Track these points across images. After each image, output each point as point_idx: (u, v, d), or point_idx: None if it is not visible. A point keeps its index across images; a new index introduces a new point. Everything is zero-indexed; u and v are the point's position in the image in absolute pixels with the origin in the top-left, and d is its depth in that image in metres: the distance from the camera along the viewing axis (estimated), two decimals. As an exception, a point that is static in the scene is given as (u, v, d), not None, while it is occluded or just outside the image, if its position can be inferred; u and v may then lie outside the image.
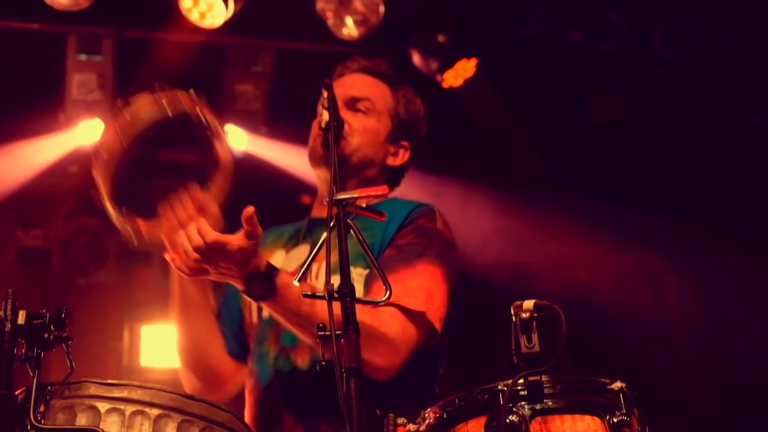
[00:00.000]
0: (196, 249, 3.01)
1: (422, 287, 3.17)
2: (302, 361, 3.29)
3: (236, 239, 3.01)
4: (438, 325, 3.19)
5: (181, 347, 3.62)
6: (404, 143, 3.61)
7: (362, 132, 3.50)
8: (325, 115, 3.02)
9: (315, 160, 3.48)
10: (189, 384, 3.63)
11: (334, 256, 2.63)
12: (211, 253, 3.00)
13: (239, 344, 3.57)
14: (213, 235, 3.00)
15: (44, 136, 7.23)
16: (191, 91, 3.30)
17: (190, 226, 3.04)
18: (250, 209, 3.03)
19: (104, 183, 3.19)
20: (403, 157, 3.61)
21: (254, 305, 3.51)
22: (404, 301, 3.10)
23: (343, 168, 3.42)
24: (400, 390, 3.21)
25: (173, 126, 3.27)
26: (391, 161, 3.59)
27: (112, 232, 7.88)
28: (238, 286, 3.08)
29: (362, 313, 2.65)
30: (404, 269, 3.19)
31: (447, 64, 6.87)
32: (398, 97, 3.61)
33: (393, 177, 3.62)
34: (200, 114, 3.27)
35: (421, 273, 3.20)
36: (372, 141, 3.52)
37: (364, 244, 2.76)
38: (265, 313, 3.45)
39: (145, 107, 3.24)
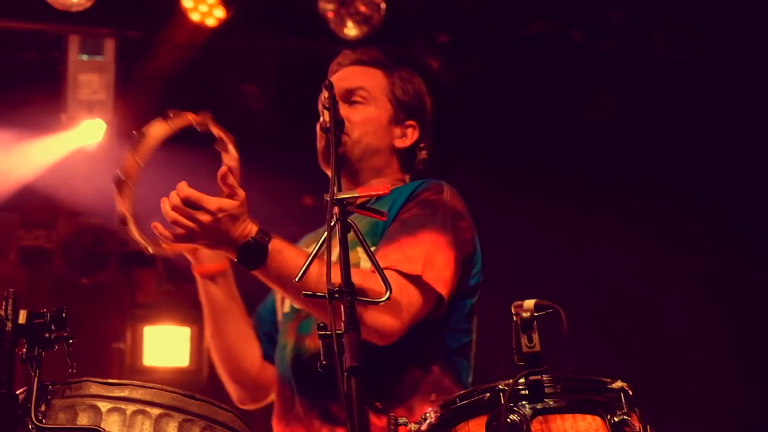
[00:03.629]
0: (174, 207, 3.01)
1: (421, 254, 3.14)
2: (313, 346, 3.27)
3: (215, 198, 3.01)
4: (442, 290, 3.15)
5: (217, 358, 3.63)
6: (410, 123, 3.60)
7: (361, 123, 3.50)
8: (326, 115, 3.03)
9: (322, 163, 3.50)
10: (233, 393, 3.66)
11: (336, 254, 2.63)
12: (188, 211, 3.00)
13: (275, 347, 3.57)
14: (187, 190, 3.01)
15: (46, 137, 7.23)
16: (199, 112, 3.37)
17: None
18: (222, 169, 3.04)
19: (127, 207, 3.21)
20: (412, 136, 3.60)
21: (282, 303, 3.53)
22: (401, 266, 3.08)
23: (350, 163, 3.47)
24: (409, 361, 3.21)
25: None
26: (400, 143, 3.58)
27: (115, 233, 7.95)
28: (231, 255, 3.08)
29: (357, 276, 2.63)
30: (405, 238, 3.18)
31: (449, 64, 6.86)
32: (393, 80, 3.61)
33: (406, 158, 3.62)
34: (207, 128, 3.36)
35: (421, 241, 3.17)
36: (373, 129, 3.52)
37: (365, 244, 2.76)
38: (286, 307, 3.47)
39: (157, 129, 3.31)
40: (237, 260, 3.08)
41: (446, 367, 3.28)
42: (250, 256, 3.04)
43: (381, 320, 3.01)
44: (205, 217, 3.00)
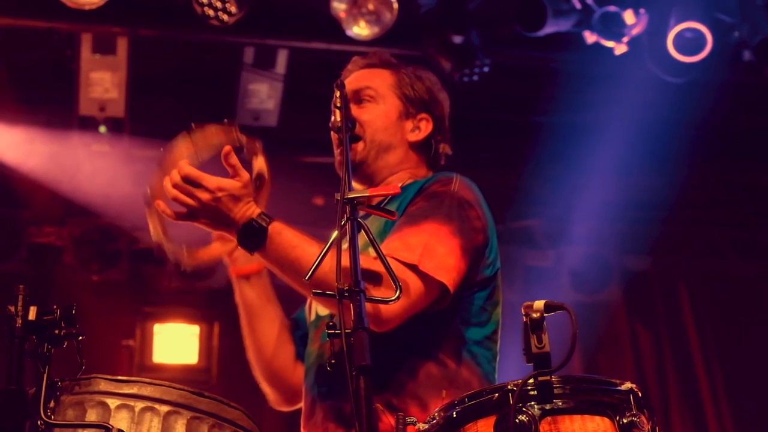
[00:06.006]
0: (174, 185, 3.06)
1: (420, 243, 3.09)
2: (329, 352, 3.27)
3: (215, 178, 3.05)
4: (444, 278, 3.08)
5: (251, 357, 3.65)
6: (423, 116, 3.58)
7: (371, 121, 3.50)
8: (336, 114, 3.04)
9: (340, 171, 3.50)
10: (268, 395, 3.68)
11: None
12: (188, 189, 3.05)
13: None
14: (188, 168, 3.06)
15: (58, 135, 7.25)
16: (224, 121, 3.38)
17: None
18: (226, 148, 3.07)
19: (157, 223, 3.24)
20: (425, 129, 3.58)
21: (310, 311, 3.54)
22: (398, 254, 3.04)
23: (367, 165, 3.48)
24: (421, 355, 3.17)
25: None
26: (413, 137, 3.56)
27: (126, 231, 7.96)
28: (232, 236, 3.11)
29: (362, 260, 2.64)
30: (408, 229, 3.15)
31: (462, 65, 6.85)
32: (401, 76, 3.60)
33: (423, 150, 3.59)
34: (235, 140, 3.34)
35: (423, 231, 3.13)
36: (383, 125, 3.51)
37: (375, 243, 2.76)
38: (313, 315, 3.49)
39: (182, 149, 3.32)
40: (237, 241, 3.10)
41: (465, 360, 3.23)
42: (250, 238, 3.06)
43: (377, 306, 2.95)
44: (204, 195, 3.04)
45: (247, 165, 3.25)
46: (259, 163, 3.43)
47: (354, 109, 3.42)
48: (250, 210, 3.07)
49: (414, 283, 3.04)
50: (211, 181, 3.05)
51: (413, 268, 3.05)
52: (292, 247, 3.02)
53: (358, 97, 3.53)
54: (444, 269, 3.09)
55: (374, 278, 2.93)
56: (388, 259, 2.86)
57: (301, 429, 3.38)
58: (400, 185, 3.28)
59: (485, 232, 3.29)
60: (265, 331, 3.60)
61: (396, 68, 3.63)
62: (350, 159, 3.20)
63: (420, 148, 3.58)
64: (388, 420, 3.03)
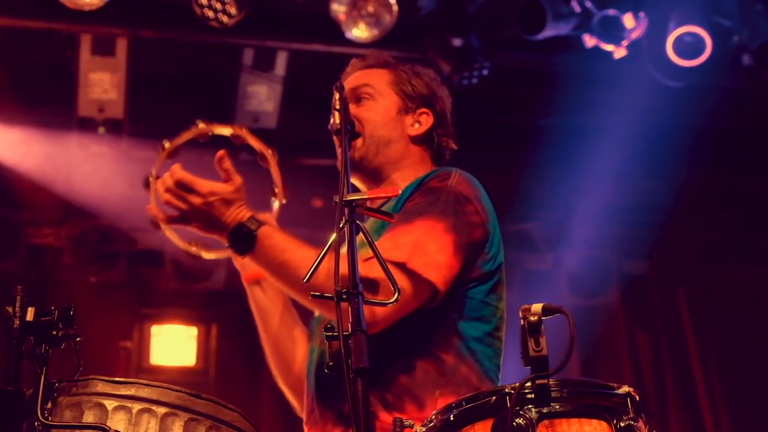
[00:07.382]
0: (167, 189, 3.10)
1: (411, 241, 3.07)
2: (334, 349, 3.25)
3: (207, 182, 3.09)
4: (432, 276, 3.05)
5: (271, 363, 3.65)
6: (423, 111, 3.58)
7: (370, 118, 3.51)
8: (336, 117, 3.04)
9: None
10: (293, 404, 3.64)
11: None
12: (180, 193, 3.08)
13: None
14: (180, 173, 3.09)
15: (57, 135, 7.25)
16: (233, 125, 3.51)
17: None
18: (220, 152, 3.11)
19: (158, 210, 3.28)
20: (426, 123, 3.58)
21: None
22: (388, 254, 2.95)
23: (369, 162, 3.48)
24: (417, 353, 3.14)
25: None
26: (413, 131, 3.56)
27: (124, 232, 7.96)
28: (223, 240, 3.13)
29: (344, 264, 2.60)
30: (401, 227, 3.12)
31: (461, 67, 6.85)
32: (399, 73, 3.61)
33: (426, 145, 3.59)
34: (244, 141, 3.47)
35: (415, 228, 3.11)
36: (383, 120, 3.52)
37: (373, 246, 2.75)
38: (317, 312, 3.47)
39: (179, 136, 3.41)
40: (228, 245, 3.12)
41: (463, 357, 3.19)
42: (240, 241, 3.09)
43: (368, 308, 2.81)
44: (196, 200, 3.08)
45: (243, 167, 3.27)
46: (274, 174, 3.48)
47: (353, 108, 3.42)
48: (241, 214, 3.10)
49: (402, 282, 2.96)
50: (204, 185, 3.07)
51: (401, 266, 3.02)
52: (282, 251, 3.04)
53: (357, 95, 3.54)
54: (433, 267, 3.07)
55: (368, 283, 2.88)
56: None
57: (304, 424, 3.38)
58: (403, 185, 3.29)
59: (484, 226, 3.26)
60: (281, 334, 3.60)
61: (393, 66, 3.64)
62: (350, 156, 3.21)
63: (421, 142, 3.58)
64: (385, 419, 3.03)
